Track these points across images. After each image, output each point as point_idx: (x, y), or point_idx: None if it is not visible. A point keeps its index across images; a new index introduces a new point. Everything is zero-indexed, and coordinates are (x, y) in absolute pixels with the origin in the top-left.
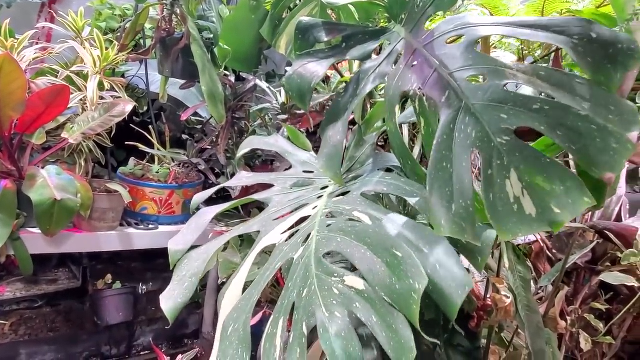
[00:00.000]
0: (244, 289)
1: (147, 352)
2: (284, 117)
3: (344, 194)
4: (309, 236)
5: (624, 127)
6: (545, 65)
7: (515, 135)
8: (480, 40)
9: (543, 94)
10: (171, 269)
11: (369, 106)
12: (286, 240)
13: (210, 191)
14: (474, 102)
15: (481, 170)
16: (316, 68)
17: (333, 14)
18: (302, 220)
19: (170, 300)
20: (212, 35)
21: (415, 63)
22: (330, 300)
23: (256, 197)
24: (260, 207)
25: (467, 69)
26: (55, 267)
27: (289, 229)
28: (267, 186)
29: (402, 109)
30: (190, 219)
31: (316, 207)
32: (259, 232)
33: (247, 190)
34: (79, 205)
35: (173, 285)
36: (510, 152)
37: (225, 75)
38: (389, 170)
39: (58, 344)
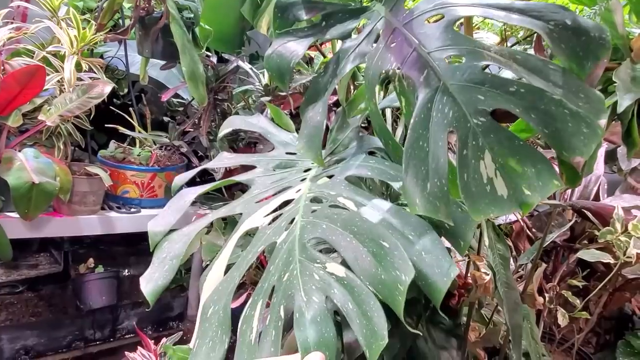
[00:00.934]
0: (226, 271)
1: (131, 335)
2: (267, 98)
3: (328, 176)
4: (292, 221)
5: (594, 114)
6: (527, 46)
7: (492, 117)
8: (462, 20)
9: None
10: (151, 250)
11: (352, 88)
12: (269, 224)
13: (192, 172)
14: (452, 82)
15: (457, 150)
16: (296, 47)
17: None
18: (286, 203)
19: (151, 283)
20: (192, 15)
21: (394, 42)
22: (309, 286)
23: (238, 178)
24: (244, 189)
25: (445, 48)
26: (36, 252)
27: (272, 212)
28: (250, 168)
29: (386, 90)
30: (171, 200)
31: (300, 190)
32: (241, 214)
33: (230, 173)
34: (58, 188)
35: (153, 267)
36: (486, 134)
37: (207, 56)
38: (372, 153)
39: (40, 329)
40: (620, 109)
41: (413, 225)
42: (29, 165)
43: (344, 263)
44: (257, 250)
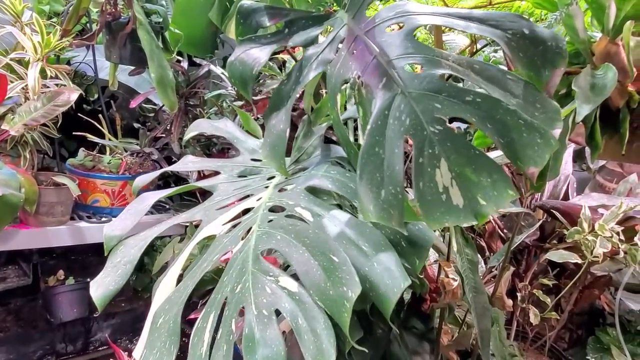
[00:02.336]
0: (179, 280)
1: (105, 347)
2: (240, 103)
3: (290, 185)
4: (249, 230)
5: (548, 124)
6: (498, 47)
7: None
8: (423, 27)
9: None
10: (105, 254)
11: (324, 94)
12: (227, 232)
13: (154, 174)
14: (410, 90)
15: (413, 158)
16: (258, 54)
17: None
18: (246, 211)
19: (101, 288)
20: (161, 19)
21: (355, 50)
22: (261, 299)
23: (200, 184)
24: None
25: (405, 57)
26: (4, 265)
27: (231, 219)
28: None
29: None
30: (130, 203)
31: (260, 198)
32: (201, 221)
33: (204, 178)
34: (23, 200)
35: (106, 271)
36: (442, 142)
37: (178, 61)
38: (338, 162)
39: (9, 344)
40: (578, 117)
41: (367, 237)
42: None
43: (297, 276)
44: (213, 259)
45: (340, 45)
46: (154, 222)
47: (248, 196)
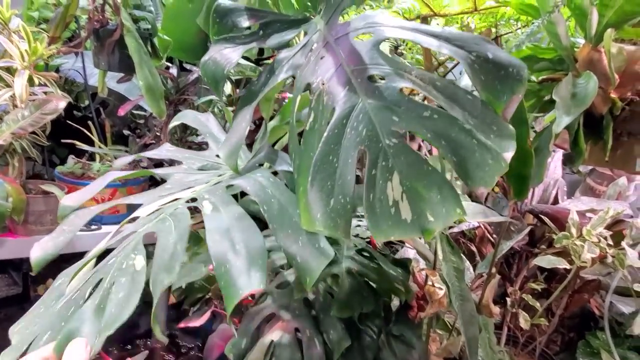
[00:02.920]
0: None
1: (95, 356)
2: (231, 108)
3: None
4: (160, 216)
5: (501, 147)
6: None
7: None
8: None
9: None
10: (58, 222)
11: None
12: (148, 215)
13: (130, 157)
14: (370, 100)
15: (365, 170)
16: (231, 54)
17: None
18: (174, 201)
19: (41, 251)
20: (150, 26)
21: (324, 56)
22: (113, 273)
23: (156, 171)
24: None
25: (370, 67)
26: None
27: (159, 207)
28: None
29: None
30: (95, 180)
31: (195, 191)
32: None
33: None
34: (10, 209)
35: (51, 236)
36: (396, 155)
37: (167, 67)
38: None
39: None
40: (558, 128)
41: (247, 238)
42: None
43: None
44: (123, 235)
45: (312, 49)
46: None
47: (189, 187)
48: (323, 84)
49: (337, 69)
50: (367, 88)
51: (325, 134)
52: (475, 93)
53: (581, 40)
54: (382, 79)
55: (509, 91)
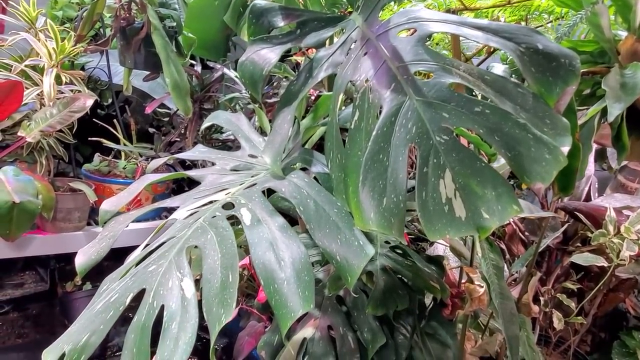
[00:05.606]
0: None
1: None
2: (255, 106)
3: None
4: (197, 220)
5: (557, 141)
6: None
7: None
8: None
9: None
10: (101, 226)
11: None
12: (185, 219)
13: (163, 159)
14: (418, 97)
15: (417, 167)
16: (269, 55)
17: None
18: (210, 203)
19: (85, 257)
20: (175, 24)
21: (366, 53)
22: (159, 289)
23: (189, 173)
24: None
25: (415, 63)
26: (21, 271)
27: (196, 209)
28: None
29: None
30: (132, 183)
31: (229, 193)
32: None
33: None
34: (40, 207)
35: (93, 242)
36: (448, 152)
37: (192, 65)
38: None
39: (27, 350)
40: (610, 118)
41: (290, 254)
42: (9, 184)
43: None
44: (162, 240)
45: (352, 47)
46: None
47: (223, 190)
48: (367, 82)
49: (382, 66)
50: (415, 85)
51: (373, 133)
52: (526, 85)
53: (622, 33)
54: (430, 75)
55: (562, 83)
